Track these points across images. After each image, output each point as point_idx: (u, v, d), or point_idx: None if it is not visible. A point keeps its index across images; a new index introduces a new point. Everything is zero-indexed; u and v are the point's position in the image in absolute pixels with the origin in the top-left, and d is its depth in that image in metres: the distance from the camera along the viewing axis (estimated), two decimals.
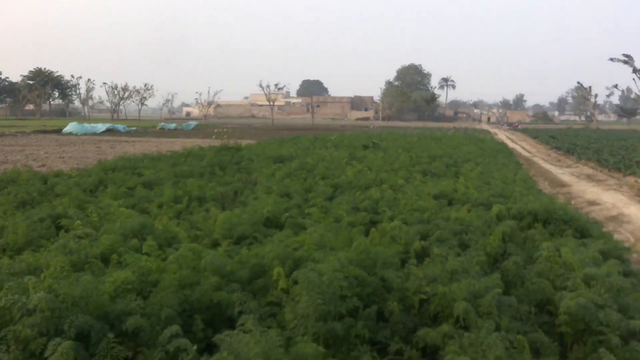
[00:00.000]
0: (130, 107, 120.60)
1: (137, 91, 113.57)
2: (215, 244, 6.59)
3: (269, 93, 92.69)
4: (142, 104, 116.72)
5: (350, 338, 4.14)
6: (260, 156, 18.60)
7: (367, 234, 6.87)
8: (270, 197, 9.56)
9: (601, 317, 4.45)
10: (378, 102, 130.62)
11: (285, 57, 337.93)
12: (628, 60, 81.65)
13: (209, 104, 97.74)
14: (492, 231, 6.87)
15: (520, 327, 4.49)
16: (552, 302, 5.03)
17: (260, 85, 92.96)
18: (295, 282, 4.59)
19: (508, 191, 10.98)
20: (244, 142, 26.19)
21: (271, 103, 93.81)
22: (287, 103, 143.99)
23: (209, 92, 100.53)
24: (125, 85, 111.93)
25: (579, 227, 7.93)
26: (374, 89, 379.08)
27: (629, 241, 9.52)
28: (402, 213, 8.32)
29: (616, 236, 9.13)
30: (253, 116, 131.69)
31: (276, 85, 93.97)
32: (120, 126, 54.47)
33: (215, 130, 30.27)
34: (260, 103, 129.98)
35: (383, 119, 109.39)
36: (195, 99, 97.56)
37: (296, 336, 4.07)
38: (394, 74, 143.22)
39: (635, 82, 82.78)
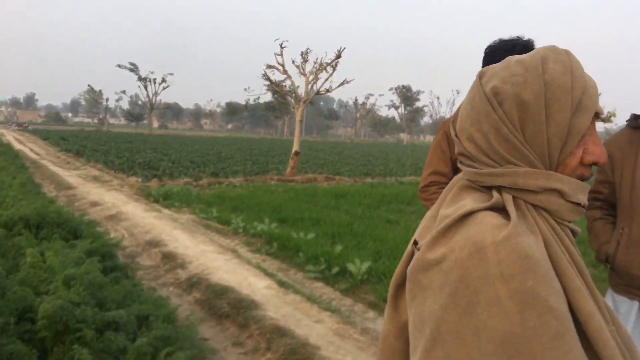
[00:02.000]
0: None
1: None
2: None
3: None
4: None
5: None
6: None
7: None
8: None
9: (77, 314, 4.67)
10: None
11: None
12: (134, 68, 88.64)
13: None
14: None
15: None
16: (33, 308, 4.95)
17: None
18: None
19: (1, 197, 10.21)
20: None
21: None
22: None
23: None
24: None
25: (72, 228, 8.08)
26: None
27: (124, 237, 10.32)
28: None
29: (113, 233, 9.79)
30: None
31: None
32: None
33: None
34: None
35: None
36: None
37: None
38: None
39: (141, 89, 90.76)
